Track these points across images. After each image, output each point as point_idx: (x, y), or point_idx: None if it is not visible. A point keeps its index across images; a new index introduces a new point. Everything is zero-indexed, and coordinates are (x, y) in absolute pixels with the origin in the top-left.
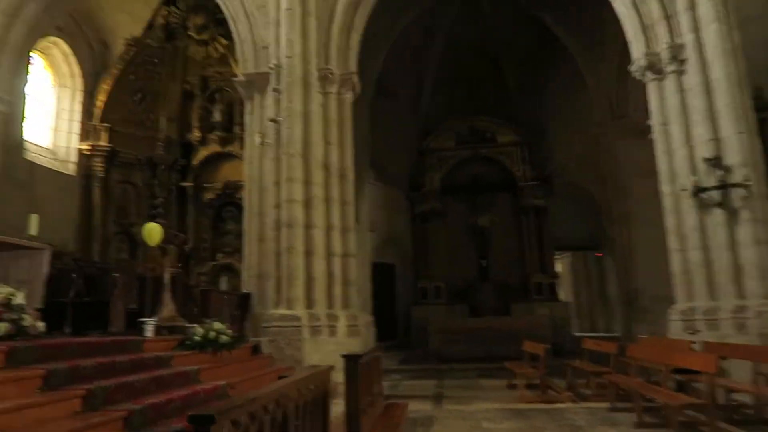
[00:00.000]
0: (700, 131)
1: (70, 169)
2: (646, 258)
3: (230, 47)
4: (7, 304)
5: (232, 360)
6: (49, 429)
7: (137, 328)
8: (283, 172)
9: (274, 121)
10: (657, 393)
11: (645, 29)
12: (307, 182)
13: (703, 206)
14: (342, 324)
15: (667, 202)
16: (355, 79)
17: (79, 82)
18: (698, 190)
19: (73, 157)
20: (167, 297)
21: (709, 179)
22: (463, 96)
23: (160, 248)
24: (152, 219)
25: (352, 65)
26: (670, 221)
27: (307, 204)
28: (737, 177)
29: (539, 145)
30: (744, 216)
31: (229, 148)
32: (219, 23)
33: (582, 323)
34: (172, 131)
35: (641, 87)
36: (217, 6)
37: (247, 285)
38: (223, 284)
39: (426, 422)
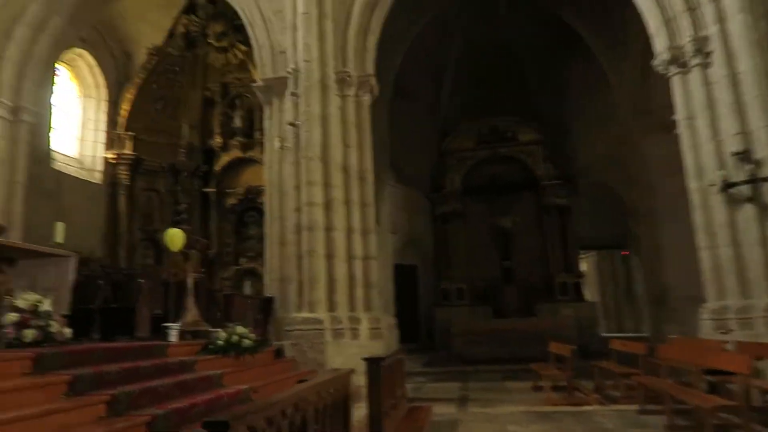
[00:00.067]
0: (728, 125)
1: (97, 177)
2: (674, 256)
3: (249, 53)
4: (35, 311)
5: (255, 364)
6: None
7: (162, 333)
8: (303, 175)
9: (292, 124)
10: (688, 395)
11: (667, 22)
12: (327, 185)
13: (733, 202)
14: (364, 327)
15: (695, 198)
16: (373, 81)
17: (103, 92)
18: (727, 185)
19: (99, 166)
20: (191, 302)
21: (738, 174)
22: (482, 96)
23: (182, 253)
24: (176, 225)
25: (370, 67)
26: (698, 218)
27: (327, 207)
28: None
29: (562, 144)
30: None
31: (250, 154)
32: (237, 30)
33: (609, 324)
34: (194, 138)
35: (665, 82)
36: (236, 13)
37: (270, 289)
38: (247, 288)
39: (450, 425)
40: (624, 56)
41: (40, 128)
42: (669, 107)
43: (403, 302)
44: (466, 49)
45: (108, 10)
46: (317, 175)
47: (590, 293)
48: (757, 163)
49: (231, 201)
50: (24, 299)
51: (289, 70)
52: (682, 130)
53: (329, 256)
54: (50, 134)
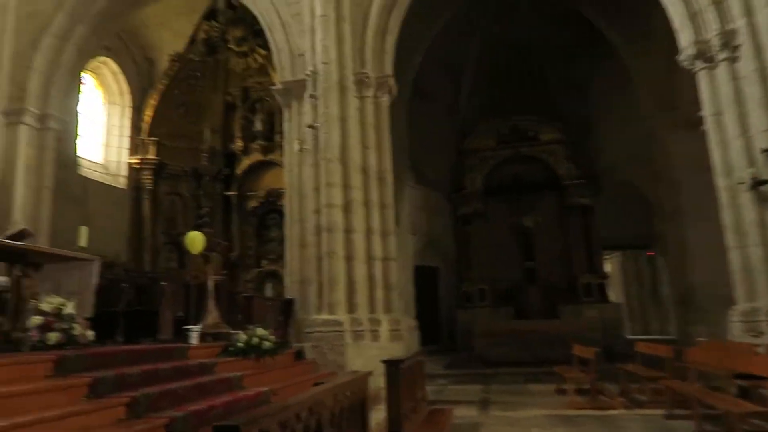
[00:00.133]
0: (757, 120)
1: (121, 182)
2: (702, 256)
3: (268, 57)
4: (58, 314)
5: (276, 366)
6: None
7: (184, 335)
8: (322, 177)
9: (311, 127)
10: (718, 400)
11: (692, 16)
12: (346, 186)
13: (763, 200)
14: (384, 328)
15: (723, 196)
16: (391, 82)
17: (127, 99)
18: (757, 183)
19: (124, 171)
20: (211, 304)
21: None
22: (502, 96)
23: (203, 256)
24: (198, 228)
25: (388, 68)
26: (727, 216)
27: (347, 208)
28: None
29: (584, 142)
30: None
31: (271, 157)
32: (257, 34)
33: (634, 325)
34: (216, 142)
35: (690, 78)
36: (255, 18)
37: (290, 291)
38: (268, 291)
39: (472, 429)
40: (647, 51)
41: (66, 135)
42: (695, 103)
43: (424, 304)
44: (484, 49)
45: (131, 19)
46: (336, 177)
47: (615, 294)
48: None
49: (252, 204)
50: (48, 302)
51: (308, 72)
52: (710, 126)
53: (349, 258)
54: (76, 141)
